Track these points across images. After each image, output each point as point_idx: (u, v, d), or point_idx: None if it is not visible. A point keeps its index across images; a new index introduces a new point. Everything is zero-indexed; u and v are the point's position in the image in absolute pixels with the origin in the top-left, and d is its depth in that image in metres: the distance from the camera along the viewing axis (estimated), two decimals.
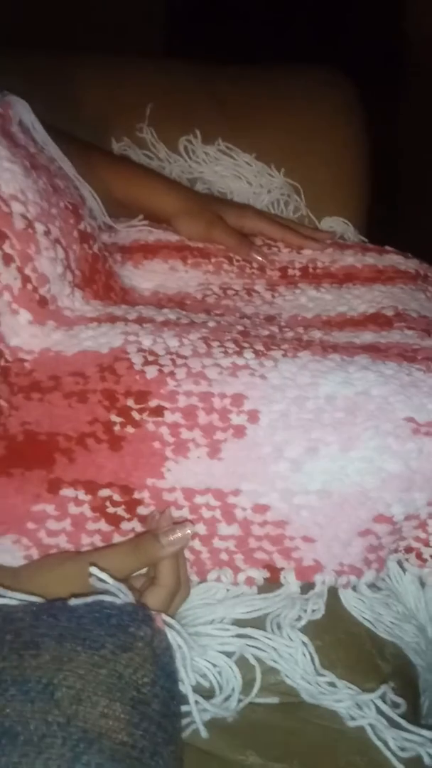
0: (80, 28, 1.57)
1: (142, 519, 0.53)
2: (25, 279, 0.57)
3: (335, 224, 0.88)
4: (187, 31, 1.84)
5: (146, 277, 0.74)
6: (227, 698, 0.45)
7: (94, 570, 0.42)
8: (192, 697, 0.42)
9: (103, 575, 0.41)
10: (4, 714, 0.31)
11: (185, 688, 0.42)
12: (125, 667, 0.34)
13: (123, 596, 0.40)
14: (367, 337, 0.65)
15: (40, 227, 0.58)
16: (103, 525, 0.53)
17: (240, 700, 0.46)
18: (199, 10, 1.89)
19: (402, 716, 0.48)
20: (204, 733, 0.42)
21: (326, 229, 0.88)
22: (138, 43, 1.64)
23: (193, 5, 1.89)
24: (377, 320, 0.68)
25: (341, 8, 1.91)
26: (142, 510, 0.53)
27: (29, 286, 0.57)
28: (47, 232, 0.59)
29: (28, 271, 0.57)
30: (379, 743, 0.46)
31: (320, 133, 0.90)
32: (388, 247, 0.80)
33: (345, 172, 0.90)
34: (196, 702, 0.43)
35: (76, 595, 0.40)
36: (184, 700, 0.42)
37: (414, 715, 0.54)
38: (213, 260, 0.76)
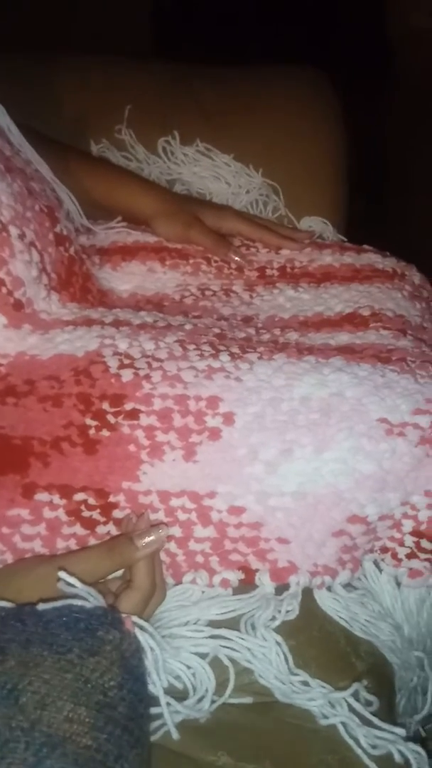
0: (65, 29, 1.57)
1: (118, 522, 0.54)
2: (0, 282, 0.57)
3: (314, 224, 0.89)
4: (173, 32, 1.83)
5: (124, 279, 0.74)
6: (200, 699, 0.46)
7: (61, 574, 0.43)
8: (163, 698, 0.43)
9: (72, 579, 0.42)
10: None
11: (157, 690, 0.43)
12: (92, 671, 0.35)
13: (92, 600, 0.40)
14: (343, 338, 0.65)
15: (14, 230, 0.58)
16: (78, 529, 0.54)
17: (213, 701, 0.47)
18: (185, 11, 1.89)
19: (375, 714, 0.49)
20: (175, 735, 0.42)
21: (305, 229, 0.88)
22: (124, 44, 1.64)
23: (179, 5, 1.89)
24: (353, 320, 0.68)
25: (327, 6, 1.91)
26: (117, 513, 0.54)
27: (4, 290, 0.57)
28: (21, 236, 0.59)
29: (2, 274, 0.57)
30: (350, 741, 0.46)
31: (298, 133, 0.90)
32: (366, 246, 0.81)
33: (323, 172, 0.90)
34: (168, 704, 0.43)
35: (45, 600, 0.40)
36: (155, 702, 0.43)
37: (389, 714, 0.54)
38: (191, 261, 0.76)
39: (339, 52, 1.86)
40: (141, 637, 0.42)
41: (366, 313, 0.68)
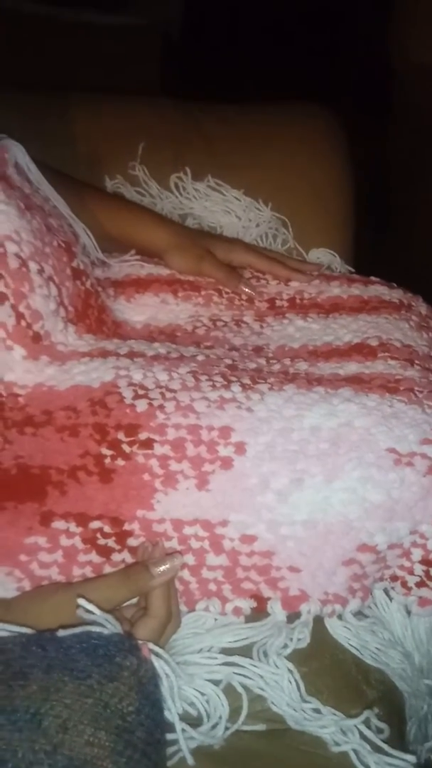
0: (77, 65, 1.61)
1: (133, 550, 0.55)
2: (19, 316, 0.59)
3: (322, 255, 0.91)
4: (182, 67, 1.88)
5: (138, 311, 0.76)
6: (214, 726, 0.46)
7: (81, 601, 0.44)
8: (179, 725, 0.43)
9: (90, 606, 0.43)
10: None
11: (172, 716, 0.44)
12: (111, 697, 0.36)
13: (110, 627, 0.42)
14: (352, 367, 0.67)
15: (33, 266, 0.60)
16: (94, 556, 0.55)
17: (227, 728, 0.48)
18: (194, 47, 1.94)
19: (386, 741, 0.50)
20: (190, 761, 0.43)
21: (313, 261, 0.90)
22: (134, 79, 1.69)
23: (188, 42, 1.94)
24: (362, 350, 0.69)
25: (331, 42, 1.96)
26: (132, 541, 0.55)
27: (23, 323, 0.59)
28: (41, 271, 0.61)
29: (22, 308, 0.59)
30: None
31: (306, 168, 0.92)
32: (373, 278, 0.83)
33: (330, 205, 0.93)
34: (183, 730, 0.44)
35: (65, 626, 0.41)
36: (170, 728, 0.43)
37: (399, 741, 0.55)
38: (203, 293, 0.78)
39: (344, 87, 1.90)
40: (156, 663, 0.43)
41: (374, 343, 0.70)
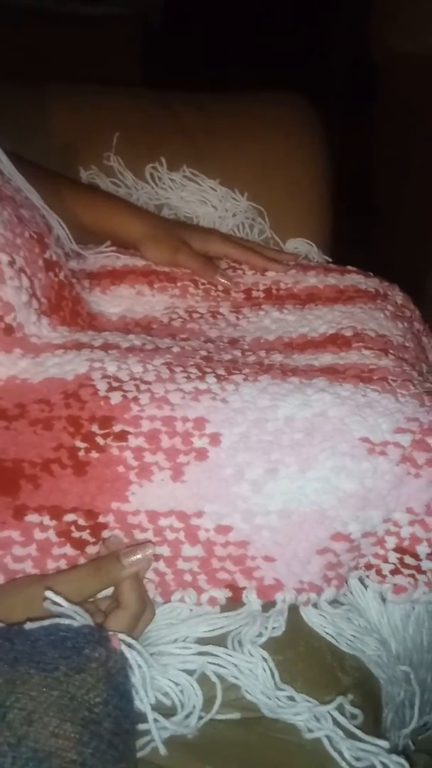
0: (57, 56, 1.60)
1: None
2: None
3: (299, 245, 0.91)
4: (163, 57, 1.87)
5: (114, 302, 0.76)
6: (188, 716, 0.47)
7: (48, 594, 0.44)
8: (151, 714, 0.43)
9: (58, 598, 0.43)
10: None
11: (144, 706, 0.44)
12: (78, 688, 0.36)
13: (79, 618, 0.42)
14: (327, 358, 0.67)
15: (4, 257, 0.60)
16: (68, 549, 0.55)
17: (201, 717, 0.48)
18: (175, 37, 1.93)
19: (360, 727, 0.50)
20: (163, 750, 0.43)
21: (290, 251, 0.90)
22: (115, 69, 1.67)
23: (169, 32, 1.93)
24: (336, 341, 0.70)
25: (312, 32, 1.95)
26: (106, 534, 0.55)
27: None
28: (11, 262, 0.61)
29: None
30: (335, 754, 0.47)
31: (282, 157, 0.92)
32: (349, 267, 0.83)
33: (308, 194, 0.93)
34: (155, 720, 0.44)
35: (33, 619, 0.41)
36: (141, 718, 0.44)
37: (375, 727, 0.55)
38: (179, 284, 0.78)
39: (327, 77, 1.90)
40: (129, 654, 0.43)
41: (349, 333, 0.70)
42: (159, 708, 0.47)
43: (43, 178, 0.75)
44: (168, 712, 0.47)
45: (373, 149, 1.69)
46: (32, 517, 0.54)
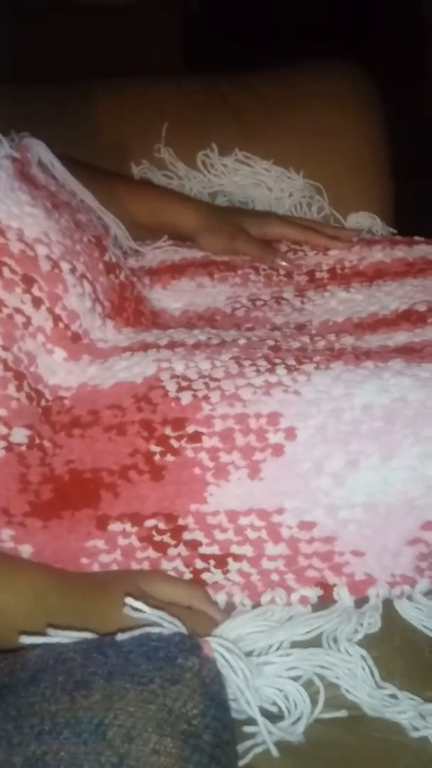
0: (98, 51, 1.59)
1: (188, 544, 0.54)
2: (56, 318, 0.59)
3: (362, 219, 0.87)
4: (204, 41, 1.84)
5: (175, 297, 0.75)
6: (295, 722, 0.46)
7: (128, 600, 0.43)
8: (261, 720, 0.43)
9: (138, 604, 0.42)
10: (58, 758, 0.33)
11: (252, 710, 0.43)
12: (174, 701, 0.35)
13: (168, 625, 0.41)
14: (401, 337, 0.64)
15: (65, 266, 0.60)
16: (150, 553, 0.54)
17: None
18: (214, 16, 1.89)
19: None
20: (275, 752, 0.43)
21: (353, 226, 0.87)
22: (157, 57, 1.65)
23: (208, 9, 1.89)
24: (410, 317, 0.67)
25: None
26: (187, 535, 0.54)
27: (61, 325, 0.59)
28: (73, 270, 0.60)
29: (58, 310, 0.59)
30: None
31: (336, 130, 0.89)
32: (417, 237, 0.79)
33: (366, 165, 0.89)
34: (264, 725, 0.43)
35: (123, 630, 0.41)
36: (250, 722, 0.43)
37: None
38: (239, 272, 0.76)
39: (375, 40, 1.82)
40: (230, 658, 0.42)
41: (423, 308, 0.67)
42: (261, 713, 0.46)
43: (96, 179, 0.75)
44: (270, 717, 0.46)
45: (427, 111, 1.62)
46: (114, 526, 0.54)
